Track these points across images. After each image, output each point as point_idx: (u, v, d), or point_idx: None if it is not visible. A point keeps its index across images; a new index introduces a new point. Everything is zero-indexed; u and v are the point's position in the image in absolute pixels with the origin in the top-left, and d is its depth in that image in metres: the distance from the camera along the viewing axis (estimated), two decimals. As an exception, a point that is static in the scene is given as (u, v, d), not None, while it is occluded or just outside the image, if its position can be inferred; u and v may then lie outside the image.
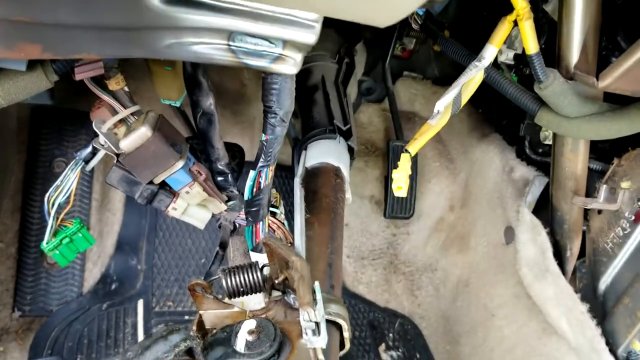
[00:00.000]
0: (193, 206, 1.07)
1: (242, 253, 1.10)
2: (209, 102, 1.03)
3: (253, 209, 0.94)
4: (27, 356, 1.37)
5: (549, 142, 1.48)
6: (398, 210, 1.76)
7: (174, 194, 1.05)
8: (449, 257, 1.81)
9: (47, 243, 1.15)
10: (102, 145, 1.00)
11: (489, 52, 1.13)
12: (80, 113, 1.56)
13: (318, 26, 0.73)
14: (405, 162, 1.18)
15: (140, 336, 1.48)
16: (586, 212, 1.38)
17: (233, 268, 0.88)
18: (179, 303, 1.60)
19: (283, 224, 1.09)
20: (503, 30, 1.10)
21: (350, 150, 1.31)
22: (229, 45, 0.77)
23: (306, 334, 0.76)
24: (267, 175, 0.92)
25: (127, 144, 0.96)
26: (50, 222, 1.14)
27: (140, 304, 1.54)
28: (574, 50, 1.13)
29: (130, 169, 0.99)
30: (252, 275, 0.87)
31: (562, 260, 1.42)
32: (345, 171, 1.22)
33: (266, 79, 0.87)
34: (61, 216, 1.16)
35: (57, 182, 1.12)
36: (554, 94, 1.11)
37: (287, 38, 0.76)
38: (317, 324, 0.75)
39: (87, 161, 1.09)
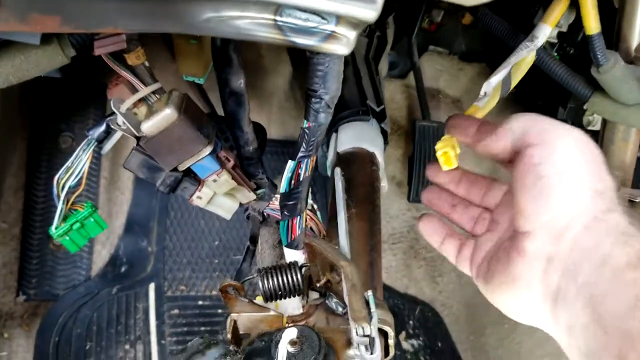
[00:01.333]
0: (220, 195, 0.98)
1: (271, 245, 1.01)
2: (239, 81, 0.93)
3: (290, 203, 0.85)
4: (34, 343, 1.29)
5: (592, 127, 1.39)
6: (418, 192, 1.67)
7: (199, 181, 0.95)
8: (473, 243, 1.73)
9: (56, 228, 1.07)
10: (120, 127, 0.90)
11: (543, 32, 1.04)
12: (87, 83, 1.45)
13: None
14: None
15: (152, 322, 1.40)
16: (631, 204, 1.30)
17: (270, 268, 0.80)
18: (192, 287, 1.53)
19: (315, 214, 1.00)
20: (559, 8, 1.01)
21: (384, 133, 1.21)
22: (275, 20, 0.66)
23: (358, 349, 0.67)
24: (307, 167, 0.82)
25: (150, 126, 0.86)
26: (59, 206, 1.05)
27: (152, 288, 1.47)
28: (636, 32, 1.04)
29: (152, 154, 0.89)
30: (292, 277, 0.79)
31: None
32: (380, 157, 1.13)
33: (312, 59, 0.76)
34: (72, 199, 1.07)
35: (68, 163, 1.02)
36: (614, 78, 1.02)
37: (342, 13, 0.66)
38: (371, 339, 0.67)
39: (100, 141, 1.00)
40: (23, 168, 1.36)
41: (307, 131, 0.81)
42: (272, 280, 0.79)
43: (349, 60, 1.34)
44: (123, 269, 1.47)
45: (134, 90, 0.90)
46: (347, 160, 1.10)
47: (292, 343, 0.71)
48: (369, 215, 0.98)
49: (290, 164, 0.83)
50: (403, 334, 1.64)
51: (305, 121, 0.81)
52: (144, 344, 1.37)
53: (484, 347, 1.56)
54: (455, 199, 0.81)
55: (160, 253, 1.52)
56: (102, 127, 0.98)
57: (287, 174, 0.84)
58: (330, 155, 1.16)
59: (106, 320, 1.36)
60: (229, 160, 0.94)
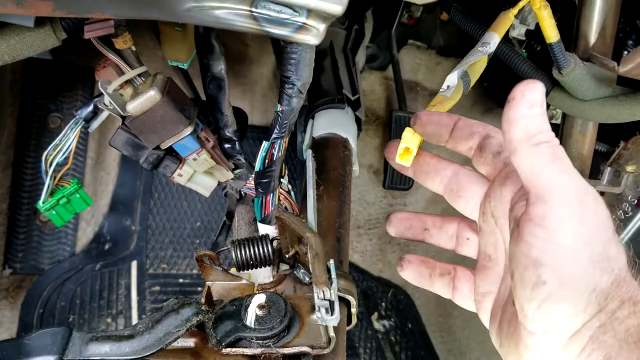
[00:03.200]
0: (199, 173, 1.04)
1: (247, 222, 1.08)
2: (220, 66, 0.99)
3: (264, 181, 0.92)
4: (19, 315, 1.35)
5: (555, 121, 1.47)
6: (397, 181, 1.74)
7: (180, 159, 1.02)
8: (446, 230, 1.80)
9: (43, 202, 1.12)
10: (107, 107, 0.96)
11: (493, 40, 1.09)
12: (76, 67, 1.50)
13: (346, -4, 0.70)
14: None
15: (134, 298, 1.46)
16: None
17: (243, 240, 0.86)
18: (174, 265, 1.59)
19: (289, 193, 1.07)
20: (505, 21, 1.07)
21: (358, 121, 1.28)
22: (251, 11, 0.73)
23: (319, 312, 0.74)
24: (280, 147, 0.89)
25: (135, 107, 0.92)
26: (47, 181, 1.10)
27: (134, 265, 1.52)
28: (592, 31, 1.11)
29: (136, 133, 0.95)
30: (263, 248, 0.85)
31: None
32: (353, 143, 1.19)
33: (286, 48, 0.83)
34: (59, 176, 1.12)
35: (56, 140, 1.07)
36: (574, 80, 1.09)
37: (312, 6, 0.72)
38: (331, 302, 0.73)
39: (87, 120, 1.05)
40: (12, 146, 1.41)
41: (280, 114, 0.88)
42: (245, 250, 0.86)
43: (327, 51, 1.40)
44: (107, 247, 1.53)
45: (121, 72, 0.96)
46: (322, 145, 1.17)
47: (261, 307, 0.78)
48: (339, 196, 1.05)
49: (265, 144, 0.90)
50: (375, 315, 1.72)
51: (279, 105, 0.88)
52: (125, 318, 1.43)
53: (451, 327, 1.64)
54: (426, 221, 0.77)
55: (143, 232, 1.58)
56: (90, 108, 1.03)
57: (261, 153, 0.90)
58: (307, 140, 1.22)
59: (89, 294, 1.42)
60: (208, 141, 1.00)
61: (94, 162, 1.54)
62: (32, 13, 0.68)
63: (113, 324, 1.41)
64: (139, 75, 0.96)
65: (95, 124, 1.01)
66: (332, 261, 0.76)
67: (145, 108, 0.92)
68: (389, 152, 0.78)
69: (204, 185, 1.06)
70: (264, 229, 0.98)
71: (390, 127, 1.80)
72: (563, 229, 0.51)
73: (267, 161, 0.90)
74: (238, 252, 0.85)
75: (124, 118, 0.98)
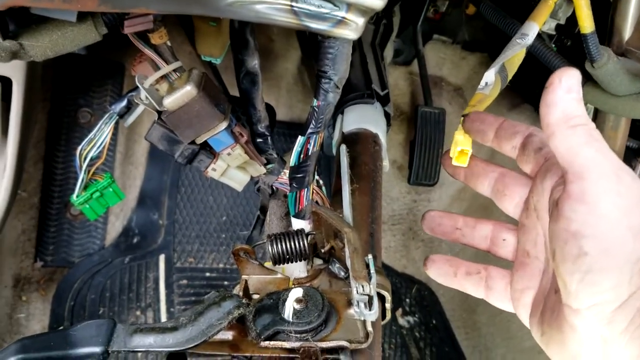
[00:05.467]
0: (233, 168, 1.04)
1: (279, 217, 1.08)
2: (254, 62, 1.00)
3: (298, 176, 0.92)
4: (50, 307, 1.37)
5: (586, 117, 1.46)
6: (423, 176, 1.73)
7: (214, 154, 1.02)
8: (470, 227, 1.80)
9: (77, 196, 1.14)
10: (143, 101, 0.97)
11: (532, 30, 1.09)
12: (106, 63, 1.52)
13: (387, -10, 0.70)
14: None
15: (162, 291, 1.48)
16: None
17: (279, 234, 0.87)
18: (200, 259, 1.60)
19: (320, 188, 1.07)
20: (545, 9, 1.06)
21: (387, 116, 1.28)
22: (292, 6, 0.73)
23: (358, 307, 0.74)
24: (315, 142, 0.88)
25: (171, 101, 0.92)
26: (81, 175, 1.12)
27: (162, 259, 1.54)
28: (627, 25, 1.10)
29: (172, 127, 0.96)
30: (298, 242, 0.86)
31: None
32: (382, 138, 1.19)
33: (323, 43, 0.83)
34: (92, 170, 1.14)
35: (91, 135, 1.09)
36: (607, 73, 1.08)
37: (352, 1, 0.73)
38: (370, 297, 0.74)
39: (121, 115, 1.07)
40: (43, 140, 1.43)
41: (316, 109, 0.88)
42: (281, 245, 0.86)
43: (356, 46, 1.40)
44: (135, 240, 1.55)
45: (156, 67, 0.97)
46: (352, 140, 1.17)
47: (298, 301, 0.78)
48: (370, 191, 1.05)
49: (300, 139, 0.90)
50: (400, 311, 1.72)
51: (315, 100, 0.88)
52: (154, 311, 1.44)
53: (476, 324, 1.64)
54: (457, 221, 0.78)
55: (171, 226, 1.59)
56: (124, 103, 1.04)
57: (297, 148, 0.91)
58: (336, 135, 1.22)
59: (119, 287, 1.44)
60: (242, 136, 1.01)
61: (123, 157, 1.56)
62: (78, 8, 0.69)
63: (142, 317, 1.43)
64: (174, 70, 0.97)
65: (130, 119, 1.02)
66: (370, 256, 0.77)
67: (181, 103, 0.93)
68: (444, 159, 0.81)
69: (237, 180, 1.06)
70: (297, 223, 0.98)
71: (415, 122, 1.79)
72: (601, 201, 0.52)
73: (302, 156, 0.90)
74: (274, 246, 0.86)
75: (159, 113, 0.99)
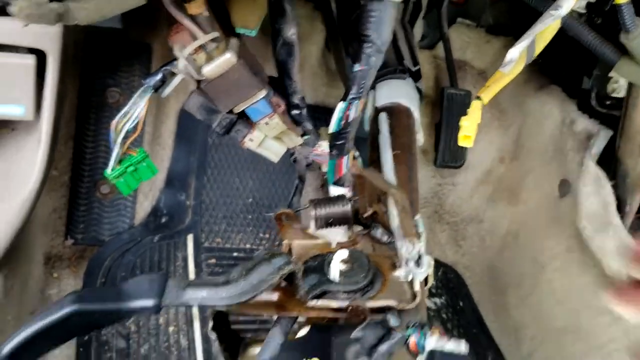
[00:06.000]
0: (269, 139, 1.04)
1: (315, 188, 1.08)
2: (291, 31, 1.00)
3: (339, 143, 0.92)
4: (82, 284, 1.38)
5: (616, 94, 1.44)
6: (449, 159, 1.73)
7: (251, 125, 1.02)
8: (497, 209, 1.79)
9: (112, 170, 1.14)
10: (181, 71, 0.97)
11: (567, 2, 1.07)
12: (133, 43, 1.52)
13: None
14: (476, 110, 1.16)
15: (191, 269, 1.48)
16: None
17: (322, 199, 0.86)
18: (227, 240, 1.60)
19: (355, 159, 1.07)
20: None
21: (419, 92, 1.28)
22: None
23: (407, 265, 0.74)
24: (356, 108, 0.89)
25: (211, 69, 0.93)
26: (116, 149, 1.12)
27: (190, 238, 1.54)
28: (664, -4, 1.09)
29: (211, 96, 0.96)
30: (342, 206, 0.86)
31: (622, 214, 1.40)
32: (416, 113, 1.19)
33: (366, 6, 0.83)
34: (127, 143, 1.14)
35: (125, 108, 1.09)
36: (642, 44, 1.07)
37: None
38: (419, 255, 0.73)
39: (156, 88, 1.07)
40: (73, 119, 1.44)
41: (358, 74, 0.88)
42: (324, 208, 0.86)
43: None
44: (163, 220, 1.55)
45: (194, 38, 0.97)
46: (386, 114, 1.16)
47: (344, 262, 0.78)
48: (407, 161, 1.05)
49: (341, 104, 0.90)
50: (426, 292, 1.71)
51: (357, 65, 0.88)
52: (183, 289, 1.45)
53: (505, 306, 1.63)
54: None
55: (198, 207, 1.60)
56: (159, 76, 1.05)
57: (337, 114, 0.91)
58: (369, 110, 1.22)
59: (148, 265, 1.44)
60: (279, 106, 1.01)
61: (151, 138, 1.57)
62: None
63: (172, 295, 1.43)
64: (211, 40, 0.97)
65: (167, 90, 1.02)
66: (419, 216, 0.76)
67: (221, 71, 0.93)
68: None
69: (273, 151, 1.06)
70: (336, 191, 0.98)
71: (441, 105, 1.79)
72: None
73: (343, 122, 0.90)
74: (317, 210, 0.86)
75: (198, 82, 0.99)
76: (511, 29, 1.96)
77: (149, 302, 0.66)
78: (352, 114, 0.89)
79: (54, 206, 1.42)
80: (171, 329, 1.35)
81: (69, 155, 1.44)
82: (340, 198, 0.87)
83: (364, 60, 0.86)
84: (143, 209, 1.54)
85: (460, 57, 1.98)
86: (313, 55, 1.81)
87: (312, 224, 0.88)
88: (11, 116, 1.14)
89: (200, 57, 0.97)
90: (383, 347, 0.63)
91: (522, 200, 1.73)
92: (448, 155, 1.74)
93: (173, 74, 1.03)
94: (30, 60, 1.08)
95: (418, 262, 0.74)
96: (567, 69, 1.66)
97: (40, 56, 1.09)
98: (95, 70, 1.46)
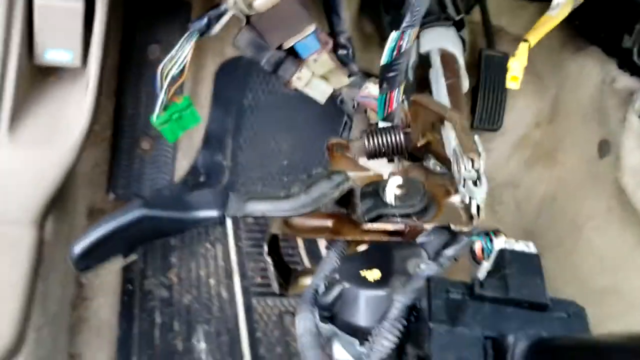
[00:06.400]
0: (316, 78, 1.04)
1: (361, 131, 1.08)
2: (339, -34, 0.99)
3: (390, 75, 0.91)
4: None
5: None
6: (486, 121, 1.71)
7: (299, 63, 1.02)
8: (533, 174, 1.77)
9: (157, 117, 1.15)
10: (232, 7, 0.97)
11: None
12: (173, 1, 1.53)
13: None
14: (523, 52, 1.14)
15: (229, 226, 1.49)
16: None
17: (375, 129, 0.86)
18: (264, 201, 1.60)
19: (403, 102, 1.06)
20: None
21: (462, 41, 1.27)
22: None
23: (465, 185, 0.73)
24: (410, 38, 0.87)
25: (262, 2, 0.93)
26: (161, 95, 1.13)
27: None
28: None
29: (261, 30, 0.97)
30: (395, 136, 0.85)
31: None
32: (461, 60, 1.18)
33: None
34: (173, 89, 1.14)
35: (172, 52, 1.10)
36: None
37: None
38: (479, 173, 0.73)
39: (201, 33, 1.07)
40: (114, 74, 1.45)
41: (413, 1, 0.86)
42: (377, 138, 0.86)
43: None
44: (201, 179, 1.56)
45: (244, -27, 0.97)
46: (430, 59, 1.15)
47: (399, 186, 0.78)
48: (456, 103, 1.04)
49: (394, 34, 0.89)
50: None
51: (411, -8, 0.86)
52: (222, 245, 1.46)
53: (543, 267, 1.61)
54: None
55: (235, 167, 1.61)
56: (204, 20, 1.05)
57: (390, 44, 0.89)
58: (413, 57, 1.21)
59: (188, 221, 1.45)
60: (327, 43, 1.01)
61: (189, 96, 1.57)
62: None
63: (212, 249, 1.44)
64: (258, -24, 0.97)
65: (217, 28, 1.03)
66: (477, 136, 0.76)
67: (271, 3, 0.93)
68: None
69: (320, 91, 1.06)
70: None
71: (479, 67, 1.77)
72: None
73: (395, 53, 0.89)
74: (371, 140, 0.86)
75: (247, 19, 0.99)
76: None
77: (213, 213, 0.66)
78: (405, 44, 0.88)
79: (96, 160, 1.44)
80: (212, 281, 1.37)
81: (110, 110, 1.46)
82: (393, 128, 0.86)
83: (418, -14, 0.85)
84: (182, 167, 1.56)
85: (495, 23, 1.96)
86: (347, 20, 1.80)
87: (364, 155, 0.88)
88: (59, 62, 1.16)
89: (246, -7, 0.97)
90: (449, 251, 0.62)
91: (560, 163, 1.71)
92: (485, 117, 1.72)
93: (219, 18, 1.04)
94: (79, 3, 1.10)
95: (476, 182, 0.73)
96: (606, 28, 1.63)
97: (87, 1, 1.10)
98: (136, 26, 1.47)
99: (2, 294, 0.89)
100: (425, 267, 0.59)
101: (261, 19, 0.94)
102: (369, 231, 0.76)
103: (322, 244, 1.38)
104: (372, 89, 1.06)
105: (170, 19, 1.51)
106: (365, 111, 1.09)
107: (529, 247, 0.63)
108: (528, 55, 1.95)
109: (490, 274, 0.57)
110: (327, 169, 0.77)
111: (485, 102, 1.72)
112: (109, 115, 1.46)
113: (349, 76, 1.06)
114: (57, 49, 1.14)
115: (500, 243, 0.63)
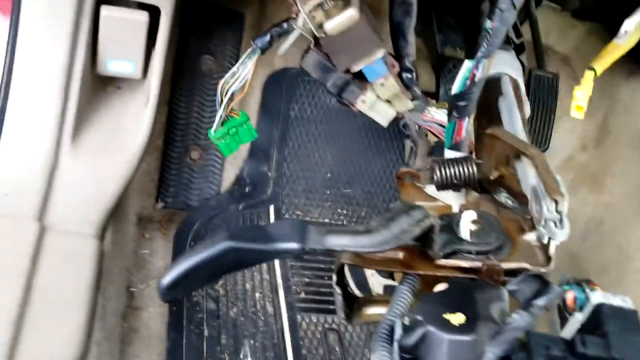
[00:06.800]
0: (381, 101, 1.03)
1: (422, 156, 1.07)
2: (410, -10, 0.98)
3: (461, 104, 0.90)
4: (172, 246, 1.40)
5: None
6: (534, 142, 1.69)
7: (363, 86, 1.02)
8: (578, 196, 1.74)
9: (215, 132, 1.15)
10: (301, 27, 0.97)
11: None
12: (225, 11, 1.54)
13: None
14: (589, 80, 1.13)
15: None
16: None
17: (446, 159, 0.85)
18: (307, 213, 1.60)
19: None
20: None
21: (522, 65, 1.25)
22: None
23: (546, 227, 0.72)
24: (483, 68, 0.87)
25: (334, 25, 0.92)
26: (220, 110, 1.13)
27: (272, 209, 1.55)
28: None
29: (330, 53, 0.96)
30: (467, 168, 0.84)
31: None
32: (522, 85, 1.16)
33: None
34: (232, 105, 1.15)
35: (234, 69, 1.10)
36: None
37: None
38: (561, 215, 0.71)
39: (263, 50, 1.07)
40: (168, 83, 1.46)
41: (490, 31, 0.85)
42: (448, 169, 0.85)
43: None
44: (247, 189, 1.57)
45: (312, -4, 0.96)
46: (492, 84, 1.14)
47: (474, 222, 0.77)
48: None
49: (468, 63, 0.88)
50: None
51: (488, 22, 0.86)
52: (267, 257, 1.46)
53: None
54: None
55: (279, 179, 1.61)
56: (267, 37, 1.05)
57: (463, 73, 0.89)
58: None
59: (234, 232, 1.46)
60: (394, 67, 1.00)
61: (238, 108, 1.57)
62: None
63: (257, 262, 1.45)
64: (329, -2, 0.97)
65: (285, 46, 1.03)
66: (559, 176, 0.74)
67: (343, 27, 0.93)
68: None
69: (384, 114, 1.05)
70: (452, 156, 0.97)
71: (528, 87, 1.75)
72: None
73: (468, 82, 0.89)
74: (441, 170, 0.85)
75: (315, 40, 0.99)
76: (598, 13, 1.90)
77: (294, 245, 0.66)
78: (479, 73, 0.87)
79: (147, 169, 1.45)
80: (257, 295, 1.37)
81: (162, 119, 1.47)
82: (465, 159, 0.85)
83: (497, 17, 0.84)
84: (229, 177, 1.56)
85: (543, 42, 1.93)
86: (413, 43, 1.78)
87: (434, 185, 0.87)
88: (121, 73, 1.16)
89: (318, 14, 0.97)
90: (541, 301, 0.61)
91: (607, 187, 1.68)
92: (532, 138, 1.70)
93: (280, 35, 1.04)
94: (144, 16, 1.10)
95: (558, 224, 0.72)
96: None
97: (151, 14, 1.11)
98: (190, 37, 1.48)
99: (65, 309, 0.89)
100: (518, 318, 0.58)
101: (330, 41, 0.94)
102: (442, 267, 0.75)
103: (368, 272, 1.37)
104: (434, 113, 1.05)
105: (223, 31, 1.52)
106: (426, 135, 1.08)
107: (626, 302, 0.61)
108: (577, 74, 1.92)
109: (584, 328, 0.56)
110: (399, 200, 0.76)
111: (533, 123, 1.70)
112: (161, 124, 1.46)
113: (412, 99, 1.05)
114: (120, 60, 1.15)
115: (598, 297, 0.62)
